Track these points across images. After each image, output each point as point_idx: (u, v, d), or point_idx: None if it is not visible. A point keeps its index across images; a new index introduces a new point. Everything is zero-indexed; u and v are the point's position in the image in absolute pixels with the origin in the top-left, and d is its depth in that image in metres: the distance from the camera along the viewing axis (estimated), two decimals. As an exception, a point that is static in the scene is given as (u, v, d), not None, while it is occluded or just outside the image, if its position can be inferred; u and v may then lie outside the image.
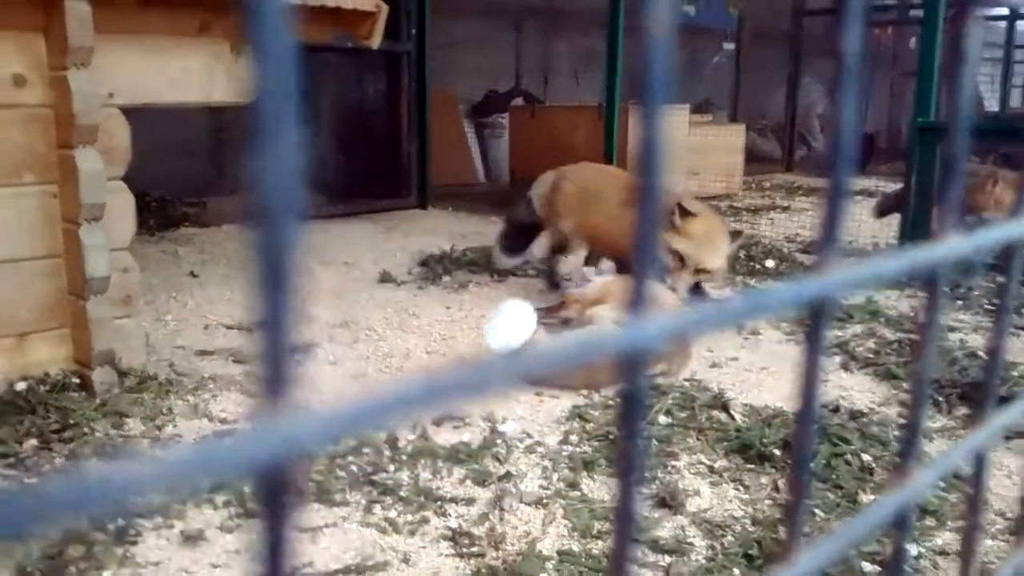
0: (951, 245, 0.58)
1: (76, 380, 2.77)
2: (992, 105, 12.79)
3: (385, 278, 4.61)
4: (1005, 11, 11.06)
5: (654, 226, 0.38)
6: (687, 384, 3.05)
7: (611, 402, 2.87)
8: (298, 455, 0.28)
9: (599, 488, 2.32)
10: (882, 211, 6.00)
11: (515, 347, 2.97)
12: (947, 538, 2.09)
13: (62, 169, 2.66)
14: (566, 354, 0.35)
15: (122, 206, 2.78)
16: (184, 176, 7.06)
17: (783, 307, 0.46)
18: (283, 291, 0.28)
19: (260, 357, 0.28)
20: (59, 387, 2.72)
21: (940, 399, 2.91)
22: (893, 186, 5.59)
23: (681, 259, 3.64)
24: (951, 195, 0.60)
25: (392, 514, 2.14)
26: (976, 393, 2.89)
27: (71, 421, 2.52)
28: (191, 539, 2.01)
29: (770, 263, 5.06)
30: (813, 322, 0.48)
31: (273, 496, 0.29)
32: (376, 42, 3.43)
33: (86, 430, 2.50)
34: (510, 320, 3.07)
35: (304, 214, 0.28)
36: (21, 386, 2.69)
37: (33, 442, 2.42)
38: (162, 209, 6.21)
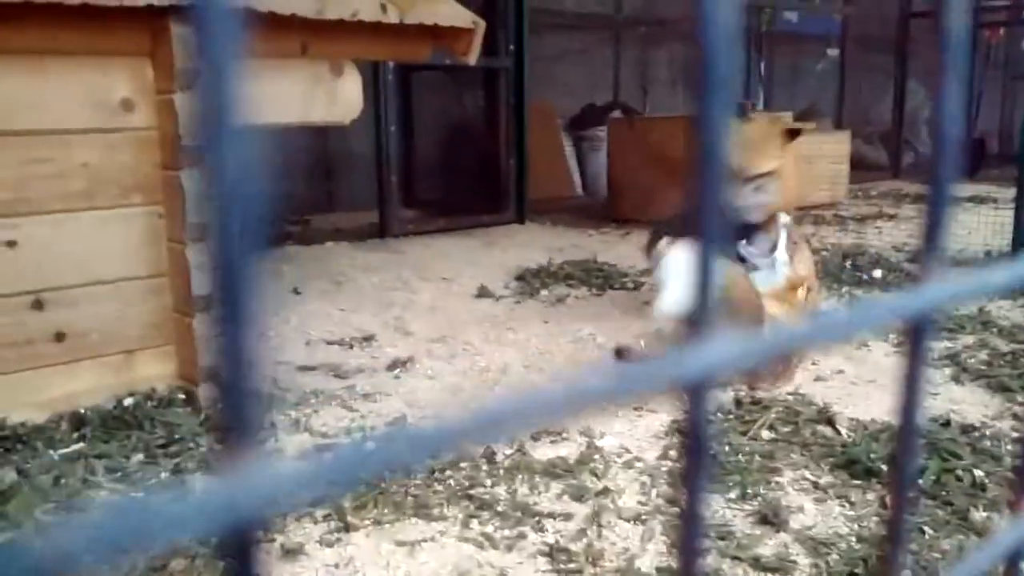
0: None
1: (182, 396, 2.86)
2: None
3: (483, 292, 4.64)
4: None
5: (717, 239, 0.36)
6: (790, 398, 2.96)
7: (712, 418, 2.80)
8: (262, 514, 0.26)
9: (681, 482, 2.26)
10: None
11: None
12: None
13: (168, 190, 2.76)
14: (621, 382, 0.33)
15: (227, 225, 2.87)
16: (287, 195, 7.28)
17: (882, 321, 0.44)
18: (243, 322, 0.26)
19: (222, 398, 0.26)
20: (165, 402, 2.81)
21: (1063, 412, 2.75)
22: (1005, 192, 5.33)
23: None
24: None
25: (489, 529, 2.14)
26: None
27: (176, 436, 2.60)
28: (291, 553, 2.04)
29: (877, 273, 4.89)
30: (914, 336, 0.46)
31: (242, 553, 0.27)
32: (474, 58, 3.46)
33: (191, 444, 2.57)
34: (677, 275, 2.83)
35: (264, 238, 0.26)
36: (128, 402, 2.79)
37: (140, 456, 2.50)
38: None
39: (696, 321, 0.35)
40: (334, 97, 3.06)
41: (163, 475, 2.42)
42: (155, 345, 2.89)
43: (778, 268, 3.30)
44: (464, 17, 3.25)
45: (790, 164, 3.51)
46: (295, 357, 3.48)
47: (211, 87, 0.25)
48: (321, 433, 2.72)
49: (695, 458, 0.37)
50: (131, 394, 2.84)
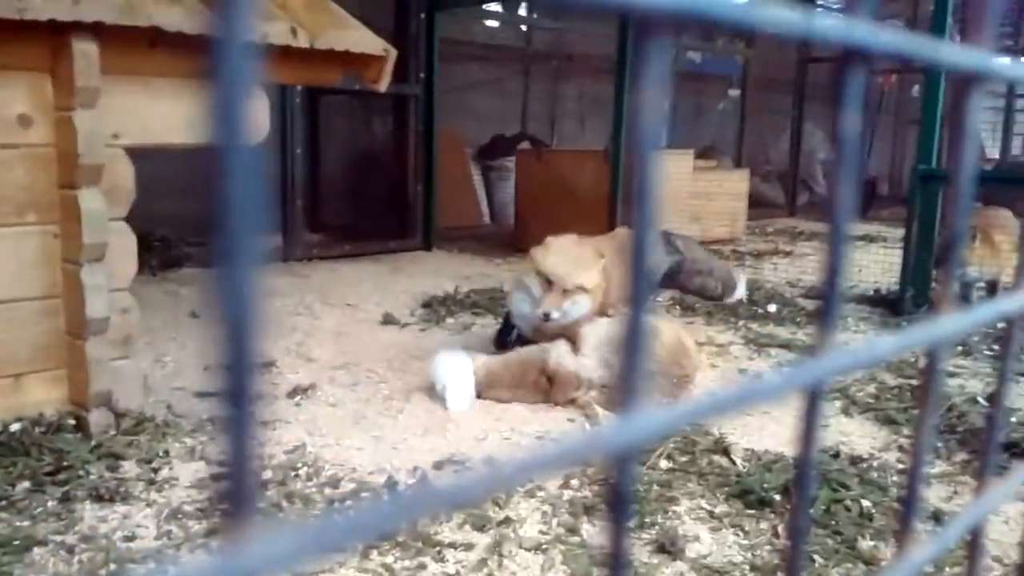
0: (950, 322, 0.57)
1: (72, 421, 2.75)
2: (993, 153, 12.85)
3: (388, 319, 4.61)
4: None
5: (647, 291, 0.37)
6: (687, 428, 3.02)
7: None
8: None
9: (599, 533, 2.29)
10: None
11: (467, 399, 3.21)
12: (950, 589, 2.05)
13: (64, 209, 2.68)
14: (559, 454, 0.35)
15: (124, 247, 2.79)
16: (187, 216, 7.09)
17: (777, 394, 0.46)
18: (246, 339, 0.27)
19: (222, 409, 0.27)
20: (54, 428, 2.70)
21: (940, 445, 2.89)
22: (894, 232, 5.59)
23: (549, 281, 3.55)
24: (952, 264, 0.59)
25: (389, 560, 2.11)
26: (974, 439, 2.86)
27: (65, 463, 2.50)
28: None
29: (772, 307, 5.05)
30: (809, 405, 0.48)
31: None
32: (384, 85, 3.46)
33: (80, 472, 2.48)
34: (454, 378, 3.25)
35: (264, 259, 0.27)
36: (16, 427, 2.67)
37: (26, 484, 2.39)
38: (165, 249, 6.23)
39: (625, 391, 0.37)
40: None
41: (50, 504, 2.32)
42: (45, 368, 2.77)
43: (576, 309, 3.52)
44: (375, 44, 3.25)
45: (612, 265, 3.70)
46: (192, 383, 3.39)
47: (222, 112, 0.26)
48: (216, 462, 2.65)
49: (619, 523, 0.39)
50: (18, 419, 2.71)
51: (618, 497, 0.39)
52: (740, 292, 5.32)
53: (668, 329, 3.36)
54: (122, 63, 2.69)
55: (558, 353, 3.29)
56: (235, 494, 0.27)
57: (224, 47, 0.26)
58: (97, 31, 2.53)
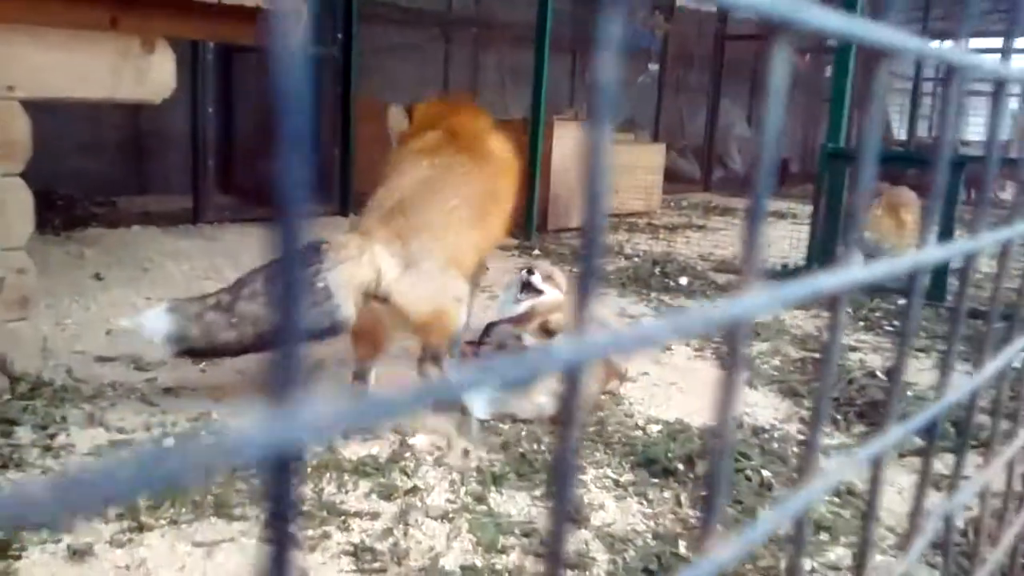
0: (852, 273, 0.58)
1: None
2: (901, 134, 13.26)
3: (300, 286, 4.53)
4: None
5: (599, 241, 0.39)
6: (601, 399, 3.06)
7: (520, 417, 2.86)
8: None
9: (506, 502, 2.30)
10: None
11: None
12: (840, 553, 2.13)
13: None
14: (515, 371, 0.36)
15: (19, 204, 2.67)
16: (93, 174, 6.85)
17: (701, 328, 0.47)
18: (296, 295, 0.30)
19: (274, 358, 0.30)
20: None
21: (839, 417, 2.99)
22: (803, 208, 5.73)
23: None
24: (854, 224, 0.60)
25: (293, 528, 2.09)
26: (873, 411, 2.97)
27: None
28: (79, 554, 1.92)
29: (684, 280, 5.14)
30: (729, 341, 0.49)
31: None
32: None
33: (-28, 433, 2.38)
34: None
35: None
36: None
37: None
38: (69, 208, 6.00)
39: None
40: (144, 74, 2.90)
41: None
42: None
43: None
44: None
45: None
46: (94, 347, 3.28)
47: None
48: (117, 428, 2.58)
49: (567, 441, 0.40)
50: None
51: (568, 416, 0.40)
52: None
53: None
54: (14, 11, 2.55)
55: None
56: (283, 363, 0.30)
57: (269, 16, 0.28)
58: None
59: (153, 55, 2.92)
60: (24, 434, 2.47)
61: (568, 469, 0.42)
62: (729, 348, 0.50)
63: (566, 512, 0.42)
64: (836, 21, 0.49)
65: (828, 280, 0.57)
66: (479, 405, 2.81)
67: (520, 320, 3.26)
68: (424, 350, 2.80)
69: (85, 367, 3.05)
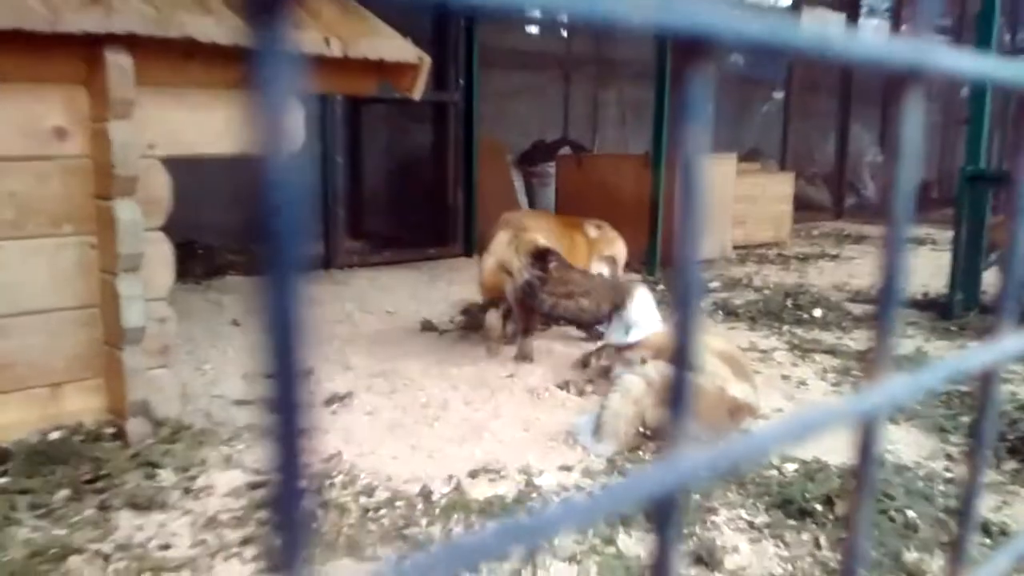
0: (1003, 347, 0.53)
1: (110, 430, 2.78)
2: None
3: (426, 327, 4.60)
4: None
5: (695, 319, 0.36)
6: (730, 435, 2.96)
7: (649, 456, 2.80)
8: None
9: (635, 544, 2.24)
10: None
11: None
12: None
13: (100, 220, 2.70)
14: (598, 506, 0.34)
15: (160, 256, 2.81)
16: (231, 225, 7.17)
17: (836, 423, 0.44)
18: (292, 347, 0.28)
19: (270, 417, 0.28)
20: (92, 437, 2.73)
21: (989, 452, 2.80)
22: (943, 234, 5.46)
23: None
24: (1008, 284, 0.55)
25: (420, 570, 2.09)
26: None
27: (103, 471, 2.52)
28: (215, 593, 1.97)
29: (818, 312, 4.96)
30: (864, 437, 0.45)
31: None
32: (418, 94, 3.45)
33: (118, 481, 2.49)
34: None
35: (309, 267, 0.28)
36: (55, 436, 2.70)
37: (65, 492, 2.41)
38: (208, 257, 6.30)
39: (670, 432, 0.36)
40: (275, 128, 3.01)
41: (87, 512, 2.34)
42: (83, 378, 2.80)
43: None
44: (409, 52, 3.25)
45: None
46: (231, 391, 3.41)
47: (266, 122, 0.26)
48: (254, 470, 2.65)
49: (666, 558, 0.37)
50: (57, 428, 2.75)
51: (663, 541, 0.37)
52: (634, 315, 3.63)
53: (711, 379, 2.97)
54: (156, 74, 2.71)
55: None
56: (285, 505, 0.28)
57: (264, 58, 0.26)
58: (130, 43, 2.56)
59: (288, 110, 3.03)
60: (166, 476, 2.58)
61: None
62: (863, 445, 0.46)
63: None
64: (971, 63, 0.45)
65: (975, 359, 0.51)
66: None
67: (628, 348, 3.53)
68: None
69: (223, 410, 3.17)
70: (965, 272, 4.85)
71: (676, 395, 0.36)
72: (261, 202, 0.27)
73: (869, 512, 0.46)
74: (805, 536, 2.29)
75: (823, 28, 0.35)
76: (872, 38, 0.38)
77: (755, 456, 0.39)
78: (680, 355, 0.36)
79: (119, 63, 2.56)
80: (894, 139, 0.43)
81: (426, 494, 2.49)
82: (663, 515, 0.37)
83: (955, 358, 0.49)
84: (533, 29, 10.32)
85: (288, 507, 0.28)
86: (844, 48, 0.37)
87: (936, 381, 0.49)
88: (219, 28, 2.65)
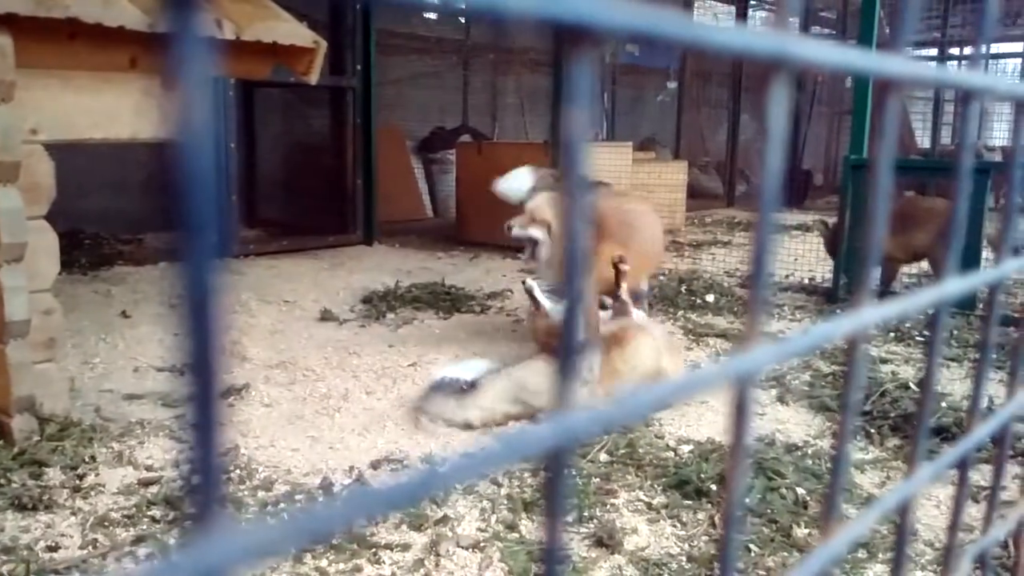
0: (864, 315, 0.56)
1: (-7, 428, 2.66)
2: (925, 142, 13.13)
3: (326, 316, 4.54)
4: (934, 52, 11.38)
5: (581, 288, 0.37)
6: (622, 425, 3.02)
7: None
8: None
9: (537, 529, 2.27)
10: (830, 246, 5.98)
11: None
12: (878, 570, 2.08)
13: (-20, 208, 2.57)
14: (490, 456, 0.34)
15: (45, 246, 2.69)
16: (119, 212, 6.93)
17: (710, 385, 0.46)
18: (209, 333, 0.27)
19: (189, 405, 0.28)
20: (-26, 436, 2.61)
21: (872, 431, 2.94)
22: (830, 221, 5.67)
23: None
24: (871, 255, 0.58)
25: (323, 563, 2.07)
26: (907, 424, 2.91)
27: (-14, 471, 2.41)
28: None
29: (710, 297, 5.10)
30: (738, 396, 0.48)
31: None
32: (314, 78, 3.39)
33: (2, 481, 2.39)
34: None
35: (227, 253, 0.28)
36: (-67, 435, 2.57)
37: (-56, 494, 2.30)
38: (95, 247, 6.07)
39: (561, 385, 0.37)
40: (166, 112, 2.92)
41: (-31, 515, 2.24)
42: (-37, 374, 2.67)
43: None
44: (304, 36, 3.19)
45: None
46: (121, 385, 3.30)
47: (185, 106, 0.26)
48: (146, 466, 2.58)
49: (555, 519, 0.38)
50: (-66, 427, 2.61)
51: (553, 494, 0.38)
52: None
53: (649, 352, 3.28)
54: (39, 56, 2.59)
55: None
56: (202, 492, 0.28)
57: (178, 41, 0.26)
58: (11, 23, 2.44)
59: (173, 93, 2.94)
60: (54, 475, 2.48)
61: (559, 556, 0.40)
62: (738, 401, 0.48)
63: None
64: (836, 55, 0.47)
65: (842, 326, 0.54)
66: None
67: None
68: None
69: (113, 405, 3.07)
70: (848, 257, 5.05)
71: (564, 365, 0.37)
72: (177, 188, 0.26)
73: (745, 471, 0.48)
74: (701, 515, 2.36)
75: (696, 20, 0.37)
76: (740, 30, 0.39)
77: (641, 413, 0.41)
78: (568, 333, 0.37)
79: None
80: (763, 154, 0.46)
81: (327, 486, 2.47)
82: (554, 467, 0.38)
83: (821, 327, 0.53)
84: (431, 14, 10.26)
85: (205, 500, 0.28)
86: (713, 39, 0.38)
87: (804, 347, 0.52)
88: (104, 9, 2.55)
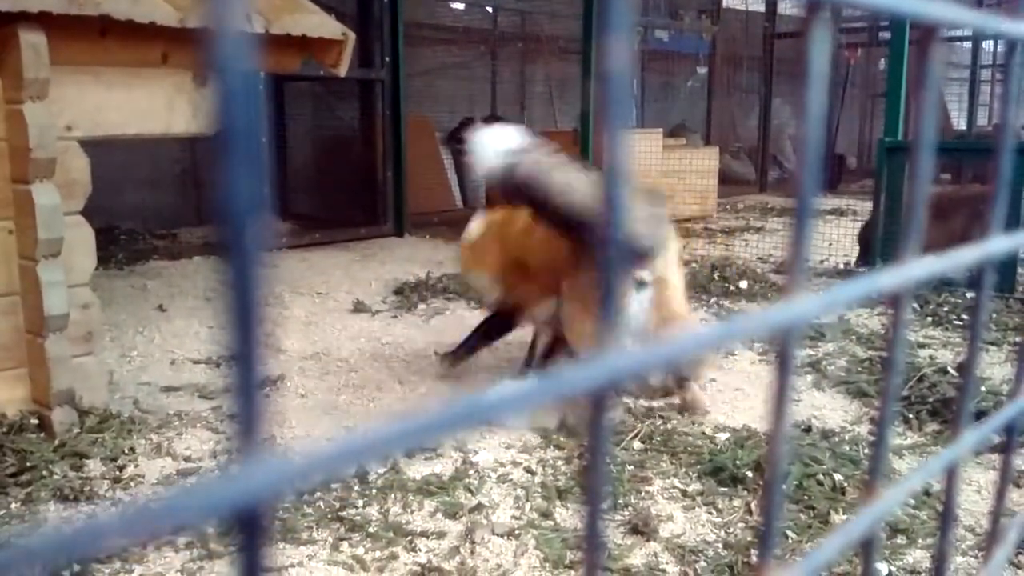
0: (910, 270, 0.55)
1: (34, 421, 2.70)
2: (960, 124, 12.94)
3: (359, 307, 4.57)
4: (969, 32, 11.20)
5: (619, 253, 0.36)
6: (662, 404, 3.02)
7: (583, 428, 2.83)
8: (271, 499, 0.28)
9: (572, 517, 2.27)
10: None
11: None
12: (918, 556, 2.06)
13: (18, 204, 2.61)
14: (533, 391, 0.34)
15: (82, 241, 2.73)
16: (154, 208, 7.01)
17: (753, 333, 0.45)
18: (252, 324, 0.28)
19: (230, 393, 0.28)
20: (16, 428, 2.65)
21: (910, 416, 2.90)
22: (863, 204, 5.60)
23: None
24: (914, 216, 0.57)
25: (360, 551, 2.09)
26: (946, 409, 2.87)
27: (28, 464, 2.45)
28: (150, 583, 1.94)
29: (743, 284, 5.05)
30: (783, 346, 0.47)
31: (248, 540, 0.29)
32: (343, 70, 3.40)
33: (44, 473, 2.43)
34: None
35: (268, 245, 0.28)
36: (-24, 428, 2.62)
37: (-12, 486, 2.35)
38: (131, 242, 6.14)
39: (603, 331, 0.36)
40: (199, 108, 2.95)
41: (13, 506, 2.28)
42: (5, 368, 2.71)
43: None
44: (333, 28, 3.20)
45: None
46: (159, 377, 3.34)
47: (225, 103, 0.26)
48: (184, 457, 2.61)
49: (596, 463, 0.38)
50: (-21, 420, 2.66)
51: (596, 436, 0.38)
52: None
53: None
54: (72, 53, 2.62)
55: None
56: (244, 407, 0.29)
57: (214, 37, 0.26)
58: (45, 21, 2.47)
59: (205, 88, 2.96)
60: (94, 466, 2.52)
61: (600, 499, 0.39)
62: (782, 354, 0.48)
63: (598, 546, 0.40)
64: None
65: (886, 279, 0.54)
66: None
67: None
68: None
69: (151, 398, 3.11)
70: (884, 241, 4.99)
71: (607, 304, 0.37)
72: (221, 181, 0.26)
73: (787, 426, 0.47)
74: (737, 502, 2.35)
75: None
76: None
77: (681, 355, 0.41)
78: (607, 298, 0.36)
79: (33, 42, 2.47)
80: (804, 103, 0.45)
81: (362, 475, 2.49)
82: (598, 406, 0.38)
83: (866, 278, 0.52)
84: (458, 5, 10.25)
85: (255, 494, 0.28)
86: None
87: (850, 297, 0.51)
88: (136, 6, 2.58)
